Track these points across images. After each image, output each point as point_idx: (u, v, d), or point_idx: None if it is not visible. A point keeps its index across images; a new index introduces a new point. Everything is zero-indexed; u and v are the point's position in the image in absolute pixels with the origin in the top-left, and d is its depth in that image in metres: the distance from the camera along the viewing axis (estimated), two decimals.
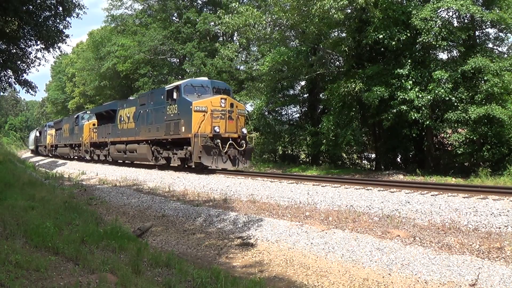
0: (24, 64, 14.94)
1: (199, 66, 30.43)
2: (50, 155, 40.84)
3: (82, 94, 51.10)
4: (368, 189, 10.42)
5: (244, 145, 16.13)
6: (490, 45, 18.44)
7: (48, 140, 42.13)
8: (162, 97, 18.22)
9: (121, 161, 25.18)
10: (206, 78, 18.66)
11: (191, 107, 15.84)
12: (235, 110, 16.41)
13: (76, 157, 32.26)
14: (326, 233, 7.54)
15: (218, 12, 26.82)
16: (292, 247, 7.30)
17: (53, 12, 13.36)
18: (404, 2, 17.58)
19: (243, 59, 32.16)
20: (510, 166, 15.17)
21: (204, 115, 15.73)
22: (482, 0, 17.34)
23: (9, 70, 14.72)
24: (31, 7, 12.76)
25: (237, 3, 25.97)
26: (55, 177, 19.17)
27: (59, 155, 37.05)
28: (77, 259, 4.97)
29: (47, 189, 12.12)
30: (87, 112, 31.63)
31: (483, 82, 16.05)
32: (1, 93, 17.87)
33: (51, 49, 13.99)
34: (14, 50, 14.34)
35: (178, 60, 36.28)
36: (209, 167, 16.11)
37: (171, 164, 18.59)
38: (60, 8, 13.43)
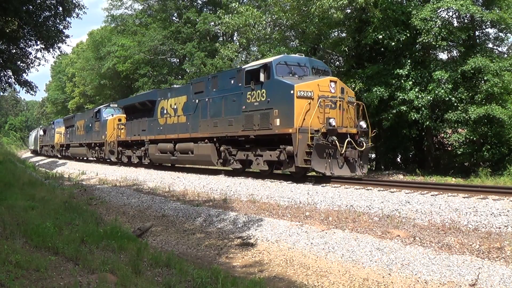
0: (24, 64, 14.98)
1: (199, 66, 30.45)
2: (59, 156, 36.51)
3: (82, 94, 51.10)
4: (368, 189, 10.42)
5: (364, 144, 12.42)
6: (490, 45, 18.47)
7: (56, 139, 37.70)
8: (234, 81, 14.15)
9: (167, 164, 20.54)
10: (302, 55, 14.32)
11: (292, 91, 11.75)
12: (346, 97, 12.59)
13: (95, 159, 27.91)
14: (326, 233, 7.54)
15: (218, 12, 26.86)
16: (292, 247, 7.30)
17: (53, 12, 13.39)
18: (404, 2, 17.59)
19: (243, 59, 32.15)
20: (510, 166, 15.19)
21: (309, 103, 11.77)
22: (482, 0, 17.35)
23: (9, 70, 14.75)
24: (31, 7, 12.78)
25: (237, 3, 26.00)
26: (55, 177, 19.17)
27: (72, 156, 32.84)
28: (77, 259, 4.98)
29: (47, 189, 12.12)
30: (111, 105, 26.93)
31: (483, 82, 16.07)
32: (1, 93, 17.88)
33: (51, 49, 14.04)
34: (14, 50, 14.37)
35: (178, 60, 36.30)
36: (322, 174, 11.88)
37: (252, 169, 14.35)
38: (60, 8, 13.46)
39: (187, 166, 19.54)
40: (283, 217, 9.05)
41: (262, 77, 12.75)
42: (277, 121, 12.29)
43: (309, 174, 13.70)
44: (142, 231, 8.63)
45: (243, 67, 14.22)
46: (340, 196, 9.87)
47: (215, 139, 15.02)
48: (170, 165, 20.42)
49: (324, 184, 11.70)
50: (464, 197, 8.74)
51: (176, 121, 17.69)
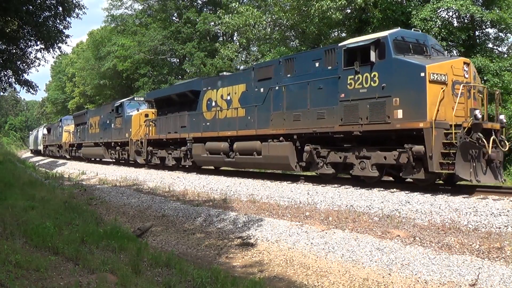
0: (24, 64, 14.98)
1: (199, 66, 30.47)
2: (68, 156, 33.07)
3: (82, 94, 51.11)
4: (368, 189, 10.41)
5: (506, 144, 9.81)
6: (490, 45, 18.48)
7: (64, 138, 34.19)
8: (320, 63, 11.40)
9: (220, 168, 17.32)
10: (418, 30, 11.96)
11: (422, 74, 9.20)
12: (477, 84, 10.34)
13: (113, 160, 24.61)
14: (326, 233, 7.54)
15: (218, 12, 26.89)
16: (292, 247, 7.30)
17: (53, 12, 13.38)
18: (404, 2, 17.60)
19: (243, 59, 32.18)
20: (510, 166, 15.18)
21: (443, 89, 9.22)
22: (482, 0, 17.36)
23: (9, 70, 14.75)
24: (31, 7, 12.78)
25: (237, 3, 26.03)
26: (55, 177, 19.17)
27: (84, 157, 29.32)
28: (77, 259, 4.98)
29: (47, 189, 12.13)
30: (135, 98, 23.50)
31: (483, 82, 16.07)
32: (1, 93, 17.89)
33: (51, 49, 14.03)
34: (14, 50, 14.37)
35: (178, 60, 36.33)
36: (470, 182, 9.19)
37: (353, 174, 10.94)
38: (60, 8, 13.46)
39: (254, 170, 16.11)
40: (283, 217, 9.05)
41: (372, 56, 10.05)
42: (399, 113, 9.56)
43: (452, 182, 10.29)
44: (142, 231, 8.63)
45: (338, 45, 11.18)
46: (340, 196, 9.87)
47: (295, 137, 11.96)
48: (215, 168, 17.53)
49: (324, 184, 11.69)
50: (464, 197, 8.74)
51: (231, 115, 14.72)
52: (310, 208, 9.43)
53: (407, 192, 9.74)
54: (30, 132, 63.64)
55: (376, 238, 7.03)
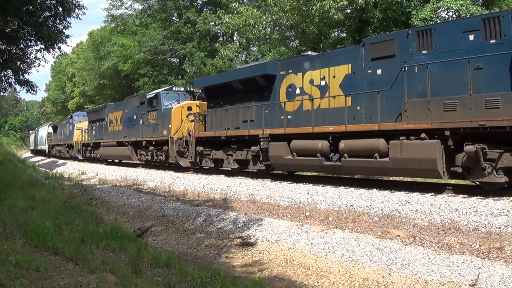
0: (24, 64, 15.00)
1: (199, 66, 30.47)
2: (81, 157, 29.56)
3: (82, 94, 51.14)
4: (368, 189, 10.41)
5: None
6: None
7: (76, 137, 30.49)
8: (477, 36, 8.81)
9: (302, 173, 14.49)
10: None
11: None
12: None
13: (143, 162, 20.72)
14: (326, 233, 7.54)
15: (218, 12, 26.90)
16: (292, 247, 7.31)
17: (53, 12, 13.40)
18: (404, 2, 17.61)
19: (243, 59, 32.19)
20: None
21: None
22: (482, 0, 17.37)
23: (9, 70, 14.77)
24: (31, 7, 12.79)
25: (237, 3, 26.03)
26: (55, 177, 19.18)
27: (103, 158, 25.92)
28: (77, 259, 4.97)
29: (47, 189, 12.13)
30: (174, 88, 19.62)
31: None
32: (1, 93, 17.88)
33: (51, 49, 14.05)
34: (14, 50, 14.39)
35: (178, 60, 36.33)
36: None
37: None
38: (60, 8, 13.47)
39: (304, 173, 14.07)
40: (283, 217, 9.05)
41: None
42: None
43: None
44: (142, 231, 8.64)
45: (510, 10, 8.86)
46: (340, 196, 9.87)
47: (447, 133, 8.86)
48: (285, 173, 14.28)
49: (324, 184, 11.70)
50: (464, 197, 8.74)
51: (327, 106, 11.61)
52: (310, 208, 9.43)
53: (407, 192, 9.74)
54: (31, 132, 62.74)
55: (376, 238, 7.03)
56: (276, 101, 13.05)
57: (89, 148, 28.01)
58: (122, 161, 24.73)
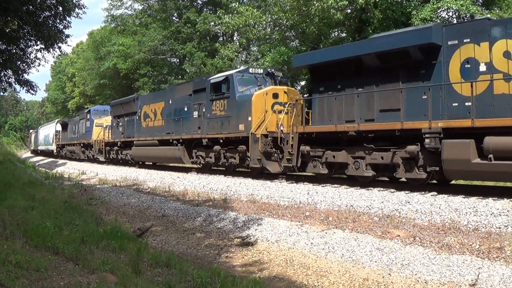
0: (24, 64, 14.99)
1: (199, 66, 30.46)
2: (103, 159, 25.23)
3: (82, 94, 51.12)
4: (368, 189, 10.41)
5: None
6: None
7: (95, 135, 26.34)
8: None
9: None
10: None
11: None
12: None
13: (199, 166, 16.88)
14: (326, 233, 7.54)
15: (218, 12, 26.89)
16: (292, 247, 7.31)
17: (53, 12, 13.40)
18: (404, 2, 17.61)
19: (243, 59, 32.19)
20: None
21: None
22: (482, 0, 17.38)
23: (9, 70, 14.77)
24: (31, 7, 12.80)
25: (237, 3, 26.04)
26: (55, 177, 19.17)
27: (136, 160, 21.38)
28: (77, 259, 4.98)
29: (47, 189, 12.14)
30: (251, 69, 14.96)
31: None
32: (1, 93, 17.89)
33: (51, 49, 14.05)
34: (14, 50, 14.39)
35: (178, 60, 36.34)
36: None
37: None
38: (60, 8, 13.48)
39: None
40: (283, 217, 9.05)
41: None
42: None
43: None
44: (142, 231, 8.64)
45: None
46: (340, 196, 9.87)
47: None
48: None
49: (324, 184, 11.69)
50: (464, 197, 8.73)
51: None
52: (310, 208, 9.43)
53: (407, 192, 9.74)
54: (31, 131, 60.58)
55: (376, 238, 7.03)
56: (444, 82, 9.43)
57: (115, 148, 23.47)
58: (170, 165, 20.00)
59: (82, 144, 29.58)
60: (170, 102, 18.18)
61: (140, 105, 21.12)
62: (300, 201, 9.99)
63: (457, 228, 7.14)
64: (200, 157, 16.24)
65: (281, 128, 12.65)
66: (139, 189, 14.43)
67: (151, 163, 21.64)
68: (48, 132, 40.78)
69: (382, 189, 10.33)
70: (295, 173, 13.25)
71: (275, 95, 13.32)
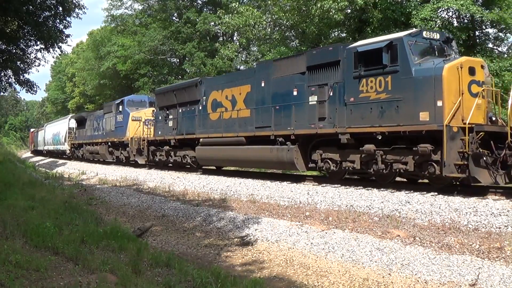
0: (24, 64, 15.00)
1: (199, 66, 30.46)
2: (142, 161, 20.45)
3: (82, 94, 51.13)
4: (368, 189, 10.41)
5: None
6: (490, 45, 18.48)
7: (132, 132, 20.88)
8: None
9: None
10: None
11: None
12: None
13: (325, 173, 12.23)
14: (326, 233, 7.54)
15: (218, 12, 26.88)
16: (292, 247, 7.30)
17: (53, 12, 13.40)
18: (404, 2, 17.60)
19: (243, 59, 32.18)
20: None
21: None
22: (482, 0, 17.37)
23: (9, 70, 14.78)
24: (31, 7, 12.80)
25: (237, 3, 26.03)
26: (55, 177, 19.16)
27: (203, 163, 16.59)
28: (77, 259, 4.98)
29: (47, 189, 12.14)
30: (424, 32, 10.03)
31: None
32: (1, 93, 17.89)
33: (51, 49, 14.06)
34: (14, 50, 14.39)
35: (178, 60, 36.33)
36: None
37: None
38: (60, 8, 13.48)
39: None
40: (283, 217, 9.05)
41: None
42: None
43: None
44: (142, 231, 8.63)
45: None
46: (340, 196, 9.87)
47: None
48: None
49: (324, 184, 11.69)
50: (464, 197, 8.73)
51: None
52: (310, 208, 9.42)
53: (407, 192, 9.74)
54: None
55: (376, 238, 7.03)
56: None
57: (165, 148, 18.13)
58: (270, 171, 15.33)
59: (109, 144, 24.01)
60: (263, 84, 13.36)
61: (206, 91, 16.08)
62: (300, 201, 9.99)
63: (457, 228, 7.15)
64: (328, 161, 11.39)
65: (492, 117, 9.18)
66: (139, 189, 14.43)
67: (222, 168, 16.91)
68: (58, 129, 34.64)
69: (382, 189, 10.33)
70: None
71: (471, 71, 9.13)
